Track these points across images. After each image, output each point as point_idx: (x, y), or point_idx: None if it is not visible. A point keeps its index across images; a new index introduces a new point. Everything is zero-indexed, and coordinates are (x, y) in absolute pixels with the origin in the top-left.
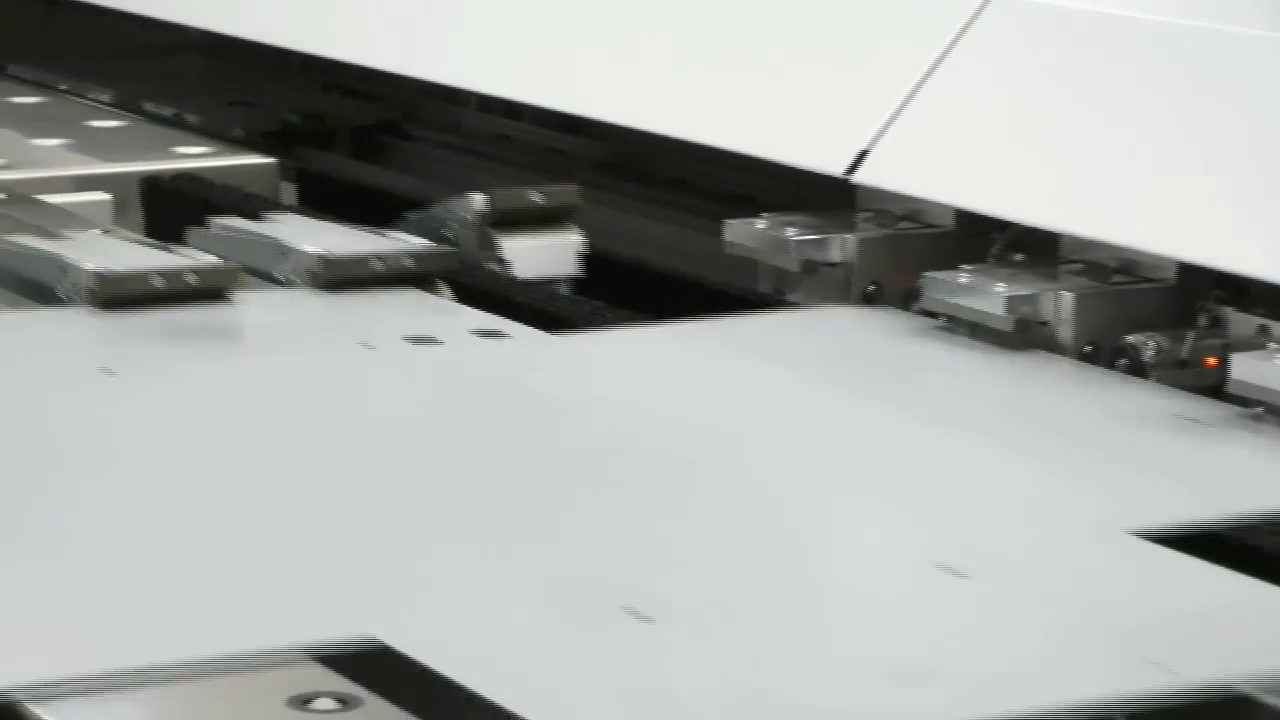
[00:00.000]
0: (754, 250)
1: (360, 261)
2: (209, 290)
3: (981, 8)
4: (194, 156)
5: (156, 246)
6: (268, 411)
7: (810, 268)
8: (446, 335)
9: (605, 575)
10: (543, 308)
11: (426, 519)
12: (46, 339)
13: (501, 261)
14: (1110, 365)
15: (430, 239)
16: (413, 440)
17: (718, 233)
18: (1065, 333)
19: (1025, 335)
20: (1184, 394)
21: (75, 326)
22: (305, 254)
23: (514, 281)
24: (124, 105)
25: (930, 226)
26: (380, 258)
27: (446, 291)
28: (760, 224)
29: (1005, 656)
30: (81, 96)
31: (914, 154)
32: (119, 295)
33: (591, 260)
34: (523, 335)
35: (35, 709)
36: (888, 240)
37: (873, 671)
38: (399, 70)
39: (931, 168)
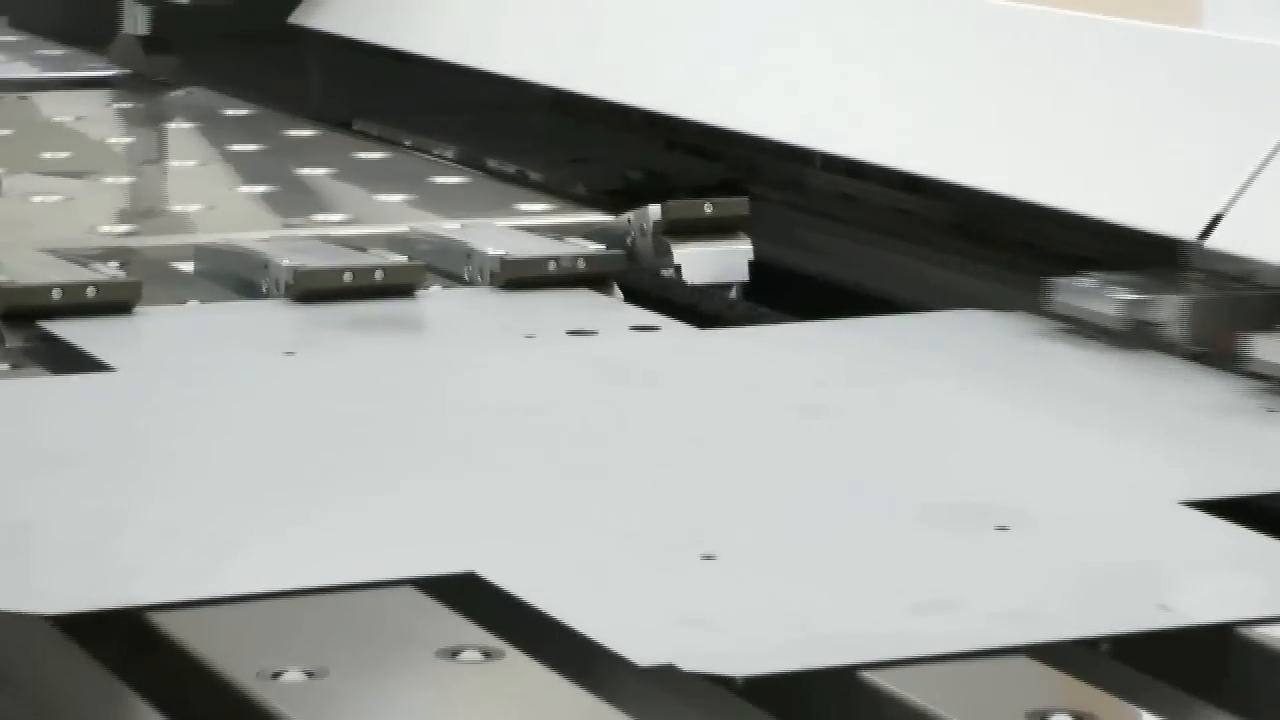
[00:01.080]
0: (1079, 310)
1: (536, 263)
2: (396, 287)
3: None
4: (535, 214)
5: (353, 247)
6: (419, 386)
7: (1135, 327)
8: (605, 329)
9: (684, 522)
10: (703, 308)
11: (542, 476)
12: (244, 326)
13: (675, 267)
14: None
15: (614, 246)
16: (545, 411)
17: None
18: None
19: None
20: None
21: (271, 315)
22: (486, 255)
23: (680, 285)
24: (467, 161)
25: (1263, 288)
26: (555, 259)
27: (617, 292)
28: (1086, 282)
29: (1022, 596)
30: (426, 152)
31: (1270, 218)
32: (313, 289)
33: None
34: (674, 329)
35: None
36: (1217, 301)
37: (902, 605)
38: (742, 128)
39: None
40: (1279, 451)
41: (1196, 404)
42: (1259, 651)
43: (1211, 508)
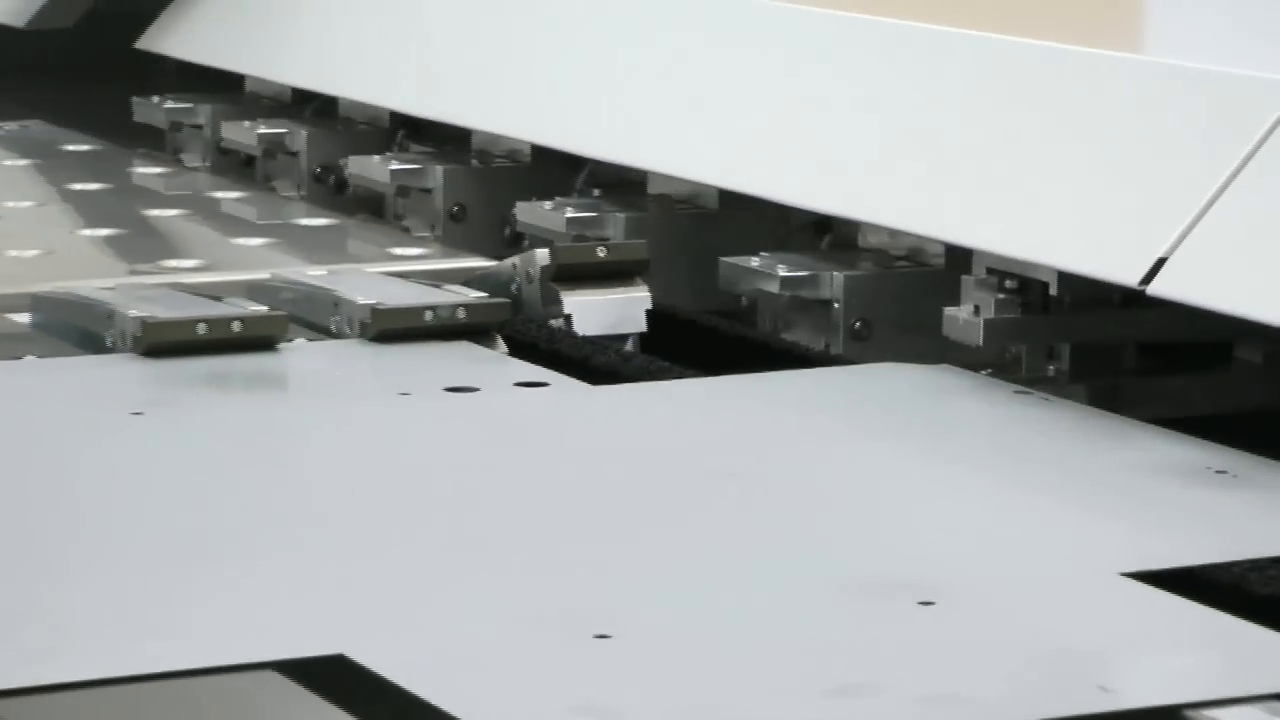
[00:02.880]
0: (745, 290)
1: (410, 312)
2: (256, 339)
3: None
4: (410, 258)
5: (209, 296)
6: (282, 450)
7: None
8: (487, 385)
9: (576, 598)
10: (597, 362)
11: (418, 549)
12: (87, 383)
13: (566, 317)
14: None
15: (498, 294)
16: (421, 477)
17: None
18: None
19: None
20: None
21: (116, 372)
22: (356, 304)
23: (571, 336)
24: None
25: (924, 265)
26: (431, 308)
27: (501, 345)
28: (754, 261)
29: (948, 678)
30: (288, 191)
31: (1218, 261)
32: (163, 342)
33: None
34: (564, 386)
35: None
36: (878, 278)
37: (817, 690)
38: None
39: (1235, 276)
40: (1228, 516)
41: (1138, 464)
42: None
43: (1156, 579)
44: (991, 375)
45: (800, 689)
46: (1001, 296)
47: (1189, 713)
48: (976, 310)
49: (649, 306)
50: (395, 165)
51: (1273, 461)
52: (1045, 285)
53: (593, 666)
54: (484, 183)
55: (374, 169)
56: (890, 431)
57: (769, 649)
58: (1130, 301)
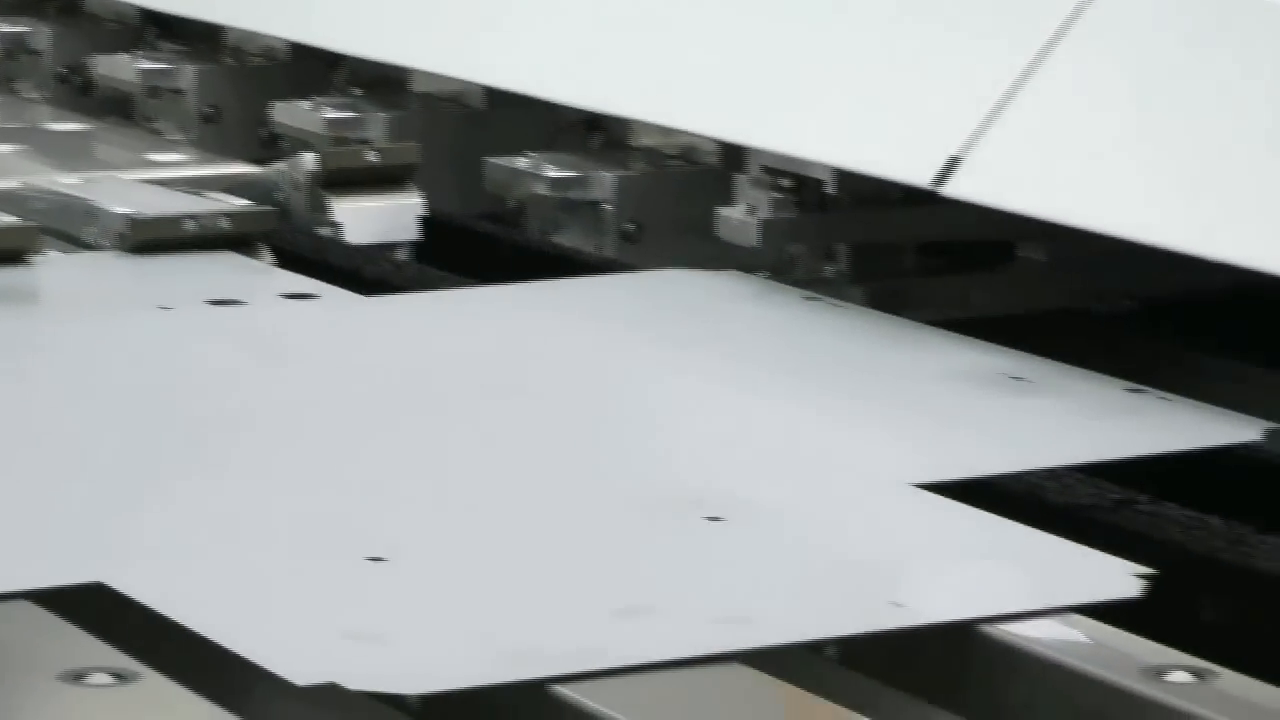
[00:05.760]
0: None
1: (171, 222)
2: (5, 252)
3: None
4: (169, 165)
5: None
6: (34, 368)
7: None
8: (253, 298)
9: (348, 520)
10: (368, 273)
11: (175, 472)
12: None
13: (334, 225)
14: None
15: (262, 202)
16: (184, 394)
17: None
18: None
19: None
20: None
21: None
22: (113, 215)
23: (340, 245)
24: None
25: (697, 164)
26: (193, 217)
27: (267, 255)
28: (521, 162)
29: (737, 596)
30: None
31: (1010, 161)
32: None
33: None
34: (334, 297)
35: None
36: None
37: (600, 609)
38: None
39: (1029, 176)
40: (1023, 425)
41: (931, 371)
42: (1003, 652)
43: (948, 490)
44: (769, 278)
45: (585, 611)
46: (777, 195)
47: (983, 627)
48: (751, 210)
49: (422, 213)
50: (144, 64)
51: (1068, 366)
52: (821, 184)
53: (366, 590)
54: (239, 83)
55: (122, 68)
56: (675, 341)
57: (552, 569)
58: (913, 200)
